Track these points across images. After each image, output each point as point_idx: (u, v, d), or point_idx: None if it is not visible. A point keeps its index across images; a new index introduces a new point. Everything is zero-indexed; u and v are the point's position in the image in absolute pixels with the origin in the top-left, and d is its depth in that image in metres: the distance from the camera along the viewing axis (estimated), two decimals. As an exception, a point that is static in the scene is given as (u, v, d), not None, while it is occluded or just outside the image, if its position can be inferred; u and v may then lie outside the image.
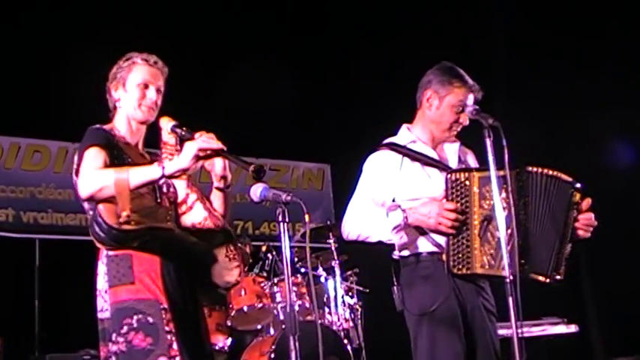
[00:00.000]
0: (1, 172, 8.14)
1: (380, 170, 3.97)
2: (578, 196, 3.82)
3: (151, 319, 3.29)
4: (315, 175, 10.15)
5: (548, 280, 3.76)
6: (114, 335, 3.29)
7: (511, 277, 3.44)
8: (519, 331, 3.42)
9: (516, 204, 3.70)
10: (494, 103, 3.92)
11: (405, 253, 3.90)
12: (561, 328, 6.95)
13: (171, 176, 3.29)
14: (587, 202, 3.86)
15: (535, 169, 3.79)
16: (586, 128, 7.79)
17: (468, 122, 3.93)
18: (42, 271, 7.79)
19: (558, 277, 3.78)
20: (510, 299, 3.42)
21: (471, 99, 3.93)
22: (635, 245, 7.49)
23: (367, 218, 3.90)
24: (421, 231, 3.84)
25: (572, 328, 7.00)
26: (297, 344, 3.09)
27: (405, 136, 4.07)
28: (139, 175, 3.23)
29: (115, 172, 3.23)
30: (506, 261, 3.47)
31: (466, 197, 3.74)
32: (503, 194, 3.64)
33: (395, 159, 3.97)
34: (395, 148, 4.00)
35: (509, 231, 3.58)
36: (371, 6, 8.98)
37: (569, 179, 3.82)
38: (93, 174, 3.25)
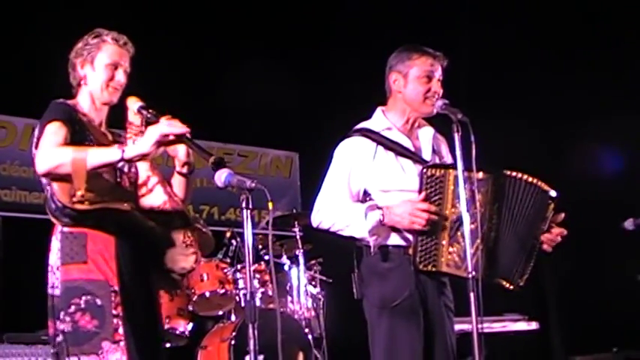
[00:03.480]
0: (-35, 148, 8.04)
1: (353, 158, 3.88)
2: (552, 207, 3.79)
3: (99, 302, 3.27)
4: (283, 162, 10.10)
5: (512, 287, 3.77)
6: (62, 313, 3.28)
7: (473, 273, 3.46)
8: (479, 326, 3.43)
9: (491, 207, 3.70)
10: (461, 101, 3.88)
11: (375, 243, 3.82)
12: (522, 325, 7.01)
13: (130, 160, 3.26)
14: (560, 217, 3.84)
15: (514, 174, 3.75)
16: (572, 135, 7.84)
17: (441, 90, 3.87)
18: (4, 249, 7.70)
19: (521, 283, 3.79)
20: (472, 295, 3.42)
21: (436, 67, 3.88)
22: (597, 246, 7.56)
23: (342, 212, 3.83)
24: (394, 228, 3.78)
25: (533, 326, 7.06)
26: (256, 332, 3.07)
27: (380, 121, 3.98)
28: (98, 156, 3.21)
29: (74, 150, 3.20)
30: (469, 264, 3.48)
31: (440, 194, 3.70)
32: (479, 196, 3.64)
33: (368, 147, 3.87)
34: (369, 135, 3.90)
35: (479, 234, 3.57)
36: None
37: (547, 188, 3.78)
38: (51, 151, 3.21)
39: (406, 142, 3.90)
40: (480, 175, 3.63)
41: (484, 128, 3.65)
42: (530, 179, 3.77)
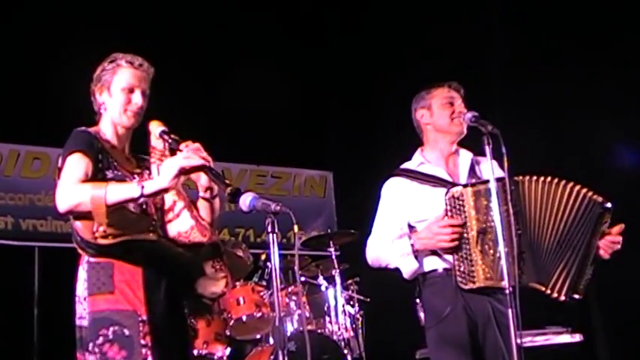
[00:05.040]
0: (1, 180, 8.08)
1: (393, 196, 4.14)
2: (605, 216, 3.82)
3: (127, 332, 3.23)
4: (317, 182, 10.07)
5: (563, 298, 3.78)
6: (90, 345, 3.24)
7: (510, 289, 3.47)
8: (519, 341, 3.42)
9: (515, 214, 3.70)
10: (494, 109, 3.88)
11: (421, 271, 3.99)
12: (565, 338, 6.88)
13: (150, 195, 3.22)
14: (620, 228, 3.89)
15: (522, 178, 3.82)
16: (588, 132, 7.72)
17: (465, 109, 4.06)
18: (41, 279, 7.73)
19: (577, 295, 3.80)
20: (510, 311, 3.42)
21: (455, 94, 4.16)
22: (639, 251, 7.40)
23: (382, 246, 4.07)
24: (433, 251, 3.94)
25: (577, 338, 6.93)
26: (286, 358, 3.03)
27: (415, 159, 4.24)
28: (117, 193, 3.17)
29: (92, 187, 3.17)
30: (504, 273, 3.50)
31: (463, 212, 3.83)
32: (494, 205, 3.70)
33: (404, 184, 4.12)
34: (404, 173, 4.16)
35: (502, 242, 3.60)
36: (372, 14, 8.95)
37: (599, 199, 3.82)
38: (70, 189, 3.19)
39: (440, 173, 4.10)
40: (492, 184, 3.71)
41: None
42: (566, 185, 3.81)
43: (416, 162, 4.21)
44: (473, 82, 4.12)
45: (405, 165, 4.24)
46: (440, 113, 4.13)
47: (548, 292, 3.77)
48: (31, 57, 7.68)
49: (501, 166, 3.67)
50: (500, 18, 8.28)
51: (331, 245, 7.02)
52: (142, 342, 3.23)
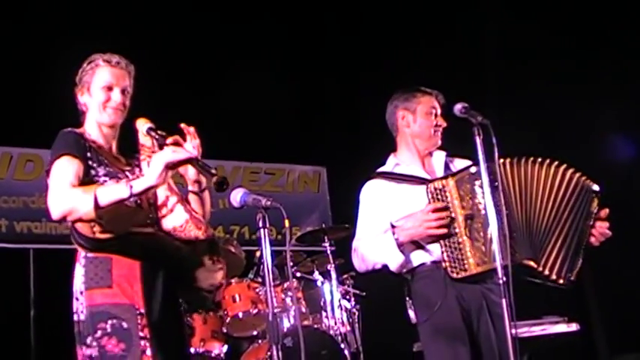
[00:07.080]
0: (-6, 182, 8.08)
1: (372, 199, 4.18)
2: (596, 202, 3.92)
3: (125, 325, 3.25)
4: (311, 178, 10.07)
5: (562, 281, 3.83)
6: (88, 339, 3.25)
7: (504, 278, 3.46)
8: (514, 331, 3.42)
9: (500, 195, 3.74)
10: (487, 102, 3.91)
11: (410, 266, 4.00)
12: (562, 327, 6.88)
13: (140, 194, 3.24)
14: (604, 212, 3.95)
15: (504, 160, 3.84)
16: (583, 124, 7.73)
17: (445, 123, 4.17)
18: (37, 281, 7.72)
19: (572, 278, 3.86)
20: (504, 301, 3.42)
21: (437, 104, 4.21)
22: (636, 240, 7.41)
23: (366, 246, 4.08)
24: (417, 244, 3.95)
25: (573, 327, 6.93)
26: (279, 353, 3.04)
27: (390, 162, 4.28)
28: (107, 195, 3.19)
29: (83, 192, 3.19)
30: (498, 252, 3.50)
31: (447, 203, 3.86)
32: (480, 191, 3.77)
33: (383, 185, 4.17)
34: (382, 175, 4.21)
35: (491, 224, 3.63)
36: (367, 9, 8.95)
37: (589, 181, 3.91)
38: (61, 196, 3.22)
39: (416, 171, 4.16)
40: (473, 169, 3.82)
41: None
42: (558, 167, 3.90)
43: (391, 165, 4.26)
44: (466, 75, 4.12)
45: (381, 169, 4.28)
46: (423, 122, 4.18)
47: (547, 272, 3.81)
48: (23, 59, 7.67)
49: (489, 156, 3.65)
50: (496, 10, 8.31)
51: (326, 240, 7.03)
52: (141, 334, 3.25)
